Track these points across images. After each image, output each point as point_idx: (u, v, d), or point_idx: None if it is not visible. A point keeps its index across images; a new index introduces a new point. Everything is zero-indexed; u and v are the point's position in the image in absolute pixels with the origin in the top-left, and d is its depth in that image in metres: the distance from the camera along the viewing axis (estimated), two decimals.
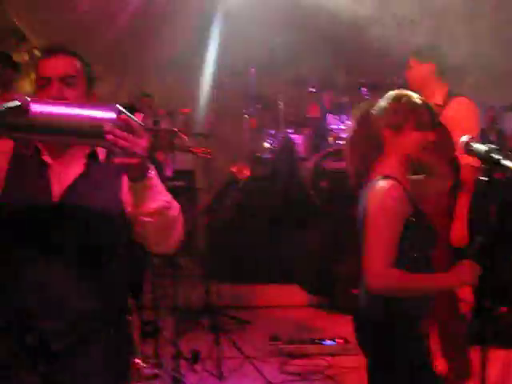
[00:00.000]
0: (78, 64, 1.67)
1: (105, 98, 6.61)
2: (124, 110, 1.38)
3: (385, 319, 1.87)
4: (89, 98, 1.69)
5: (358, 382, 3.28)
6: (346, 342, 3.70)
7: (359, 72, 6.51)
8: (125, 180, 1.56)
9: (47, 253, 1.56)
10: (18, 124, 1.35)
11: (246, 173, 2.85)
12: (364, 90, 5.64)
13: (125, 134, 1.34)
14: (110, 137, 1.32)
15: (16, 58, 7.26)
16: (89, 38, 6.38)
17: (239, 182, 2.86)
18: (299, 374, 3.38)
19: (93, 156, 1.66)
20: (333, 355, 3.62)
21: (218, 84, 6.17)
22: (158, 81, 7.20)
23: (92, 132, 1.35)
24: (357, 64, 7.11)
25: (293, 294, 4.89)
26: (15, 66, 2.91)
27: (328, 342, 3.71)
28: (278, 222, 5.16)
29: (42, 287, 1.54)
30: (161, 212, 1.50)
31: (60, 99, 1.57)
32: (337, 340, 3.74)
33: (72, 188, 1.60)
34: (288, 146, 5.59)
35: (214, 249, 4.75)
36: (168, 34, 6.63)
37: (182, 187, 6.21)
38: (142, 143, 1.37)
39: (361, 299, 1.98)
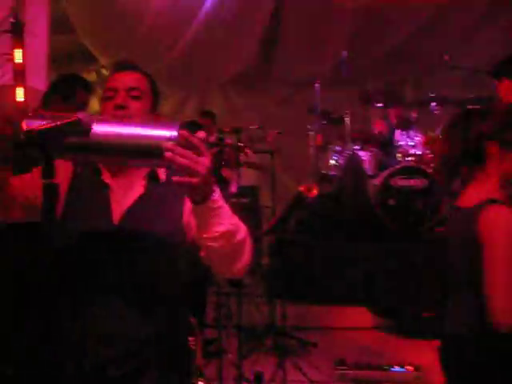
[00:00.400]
0: (145, 80, 1.69)
1: (169, 115, 6.76)
2: (185, 128, 1.31)
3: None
4: (153, 115, 1.67)
5: None
6: (417, 369, 3.51)
7: (427, 86, 6.33)
8: (187, 202, 1.50)
9: (106, 278, 1.52)
10: (77, 144, 1.32)
11: (314, 192, 2.76)
12: (433, 104, 5.44)
13: (185, 151, 1.26)
14: (169, 154, 1.25)
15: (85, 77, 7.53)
16: (153, 55, 6.52)
17: (306, 200, 2.77)
18: None
19: (153, 176, 1.62)
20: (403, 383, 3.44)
21: (282, 100, 6.11)
22: (222, 97, 7.26)
23: (151, 151, 1.29)
24: (424, 77, 6.95)
25: (358, 316, 4.74)
26: (87, 87, 2.95)
27: (397, 369, 3.52)
28: (343, 241, 5.03)
29: (100, 315, 1.50)
30: (227, 236, 1.40)
31: (124, 108, 1.57)
32: (406, 367, 3.55)
33: (132, 210, 1.56)
34: (354, 164, 5.44)
35: (278, 268, 4.67)
36: (232, 49, 6.69)
37: (245, 204, 6.21)
38: (204, 161, 1.29)
39: (455, 327, 1.86)
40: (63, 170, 1.59)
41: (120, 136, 1.32)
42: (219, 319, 3.59)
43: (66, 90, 2.86)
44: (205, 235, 1.41)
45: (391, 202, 5.09)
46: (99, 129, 1.31)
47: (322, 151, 5.87)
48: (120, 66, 1.72)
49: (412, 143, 5.40)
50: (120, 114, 1.57)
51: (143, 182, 1.61)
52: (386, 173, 5.27)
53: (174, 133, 1.28)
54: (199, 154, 1.29)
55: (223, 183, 4.67)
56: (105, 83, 1.69)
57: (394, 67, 6.83)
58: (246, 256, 1.49)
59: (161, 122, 1.42)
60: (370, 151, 5.71)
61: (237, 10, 5.89)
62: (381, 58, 6.72)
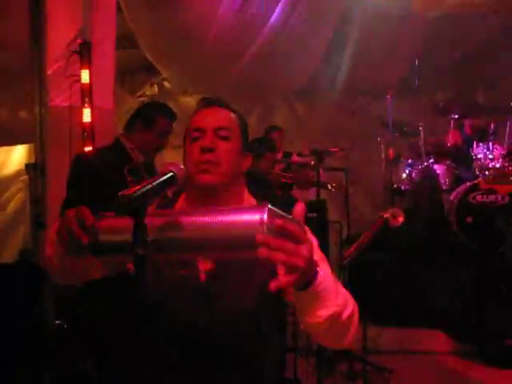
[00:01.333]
0: (234, 118, 1.57)
1: None
2: (276, 210, 1.14)
3: None
4: (243, 156, 1.58)
5: None
6: None
7: (504, 94, 6.00)
8: None
9: (193, 338, 1.42)
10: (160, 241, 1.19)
11: (400, 219, 2.59)
12: None
13: (279, 242, 1.08)
14: (263, 251, 1.07)
15: (148, 90, 7.58)
16: (218, 68, 6.47)
17: (391, 228, 2.61)
18: None
19: None
20: None
21: (350, 111, 5.93)
22: (287, 108, 7.13)
23: (242, 244, 1.13)
24: (500, 85, 6.59)
25: (437, 340, 4.50)
26: (170, 115, 2.91)
27: None
28: (419, 261, 4.81)
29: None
30: (332, 320, 1.26)
31: (212, 150, 1.48)
32: None
33: (218, 267, 1.44)
34: (429, 178, 5.21)
35: (350, 287, 4.49)
36: (297, 60, 6.56)
37: (313, 218, 6.05)
38: (302, 251, 1.11)
39: None
40: None
41: (205, 229, 1.17)
42: (296, 347, 3.46)
43: (148, 116, 2.85)
44: (307, 320, 1.27)
45: (469, 219, 4.83)
46: (181, 220, 1.19)
47: (393, 164, 5.66)
48: (207, 102, 1.60)
49: (491, 156, 5.11)
50: (207, 159, 1.48)
51: None
52: (462, 188, 5.02)
53: (264, 217, 1.10)
54: (297, 242, 1.11)
55: (292, 204, 4.56)
56: (190, 121, 1.58)
57: (466, 75, 6.53)
58: (354, 329, 1.35)
59: (248, 205, 1.27)
60: (445, 164, 5.47)
61: (303, 22, 5.75)
62: (452, 67, 6.42)
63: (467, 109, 5.39)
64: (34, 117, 3.62)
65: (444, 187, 5.39)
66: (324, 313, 1.23)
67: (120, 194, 1.11)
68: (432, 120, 5.64)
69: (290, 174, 4.83)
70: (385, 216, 2.56)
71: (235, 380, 1.45)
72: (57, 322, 3.60)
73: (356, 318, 1.35)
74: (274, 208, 1.14)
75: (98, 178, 2.62)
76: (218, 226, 1.15)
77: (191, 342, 1.43)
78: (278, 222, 1.10)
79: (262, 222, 1.10)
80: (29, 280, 3.68)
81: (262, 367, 1.50)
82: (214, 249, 1.17)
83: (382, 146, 5.74)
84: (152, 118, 2.85)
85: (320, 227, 5.99)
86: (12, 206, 4.98)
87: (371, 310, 4.47)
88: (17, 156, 5.06)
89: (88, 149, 3.38)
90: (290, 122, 6.60)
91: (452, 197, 5.14)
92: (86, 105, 3.42)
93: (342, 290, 1.34)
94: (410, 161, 5.57)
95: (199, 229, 1.17)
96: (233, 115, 1.58)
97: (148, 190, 1.14)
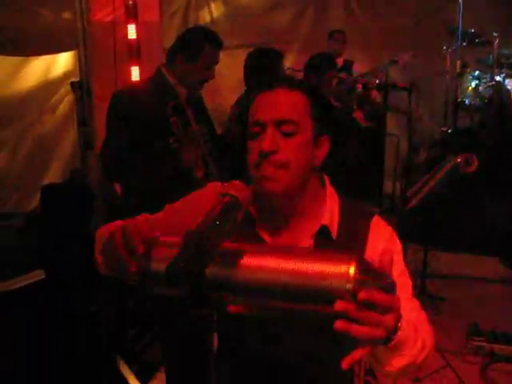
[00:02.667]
0: (302, 99, 1.27)
1: (283, 28, 6.23)
2: (366, 263, 0.95)
3: None
4: (317, 145, 1.30)
5: None
6: None
7: None
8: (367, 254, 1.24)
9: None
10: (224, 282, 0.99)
11: (473, 167, 2.35)
12: None
13: (363, 315, 0.92)
14: (340, 325, 0.92)
15: None
16: None
17: (463, 175, 2.37)
18: None
19: (324, 233, 1.31)
20: None
21: (413, 16, 5.41)
22: (344, 10, 6.60)
23: (317, 299, 0.95)
24: None
25: (493, 267, 4.37)
26: (216, 43, 2.62)
27: None
28: (482, 185, 4.54)
29: None
30: (405, 369, 1.11)
31: (273, 153, 1.23)
32: None
33: None
34: (499, 93, 4.80)
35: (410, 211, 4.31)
36: None
37: (370, 128, 5.79)
38: (388, 322, 0.95)
39: None
40: None
41: (270, 273, 0.97)
42: None
43: (193, 46, 2.56)
44: (378, 367, 1.12)
45: None
46: (246, 262, 0.99)
47: (459, 77, 5.23)
48: (268, 84, 1.29)
49: None
50: (268, 163, 1.23)
51: (310, 241, 1.30)
52: None
53: (350, 280, 0.92)
54: (384, 311, 0.94)
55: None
56: (250, 107, 1.30)
57: None
58: (427, 361, 1.18)
59: (330, 253, 0.99)
60: None
61: None
62: None
63: None
64: (77, 33, 3.40)
65: None
66: (399, 363, 1.09)
67: (173, 261, 0.88)
68: (508, 29, 5.09)
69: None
70: (457, 161, 2.31)
71: None
72: None
73: (431, 351, 1.18)
74: (363, 259, 0.96)
75: (138, 117, 2.43)
76: (295, 274, 0.96)
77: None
78: (368, 295, 0.92)
79: (345, 279, 0.92)
80: (79, 200, 3.67)
81: None
82: (287, 298, 0.98)
83: (448, 57, 5.28)
84: (196, 48, 2.55)
85: (376, 138, 5.76)
86: (61, 109, 4.91)
87: (431, 234, 4.35)
88: (64, 58, 4.90)
89: (134, 68, 3.16)
90: (347, 28, 6.08)
91: None
92: (130, 20, 3.15)
93: (422, 328, 1.16)
94: (476, 73, 5.13)
95: (272, 274, 0.97)
96: (300, 97, 1.27)
97: (204, 243, 0.90)
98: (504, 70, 4.96)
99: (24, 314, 3.15)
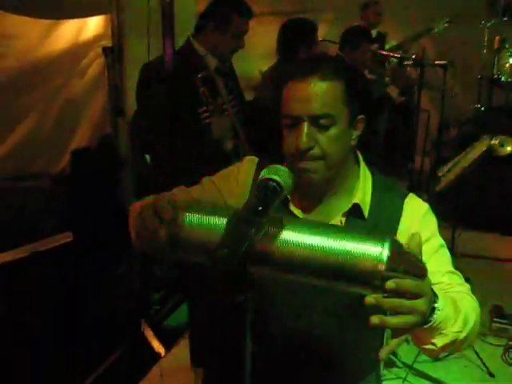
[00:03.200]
0: (337, 88, 1.23)
1: None
2: (402, 249, 0.95)
3: None
4: (353, 129, 1.29)
5: None
6: None
7: None
8: (399, 236, 1.24)
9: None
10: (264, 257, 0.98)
11: (508, 149, 2.29)
12: None
13: (395, 304, 0.92)
14: (374, 320, 0.92)
15: None
16: None
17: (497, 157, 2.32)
18: None
19: (356, 212, 1.31)
20: None
21: None
22: None
23: (350, 279, 0.95)
24: None
25: None
26: (244, 12, 2.58)
27: None
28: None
29: None
30: (447, 348, 1.09)
31: (309, 150, 1.22)
32: None
33: None
34: None
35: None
36: None
37: (402, 102, 5.68)
38: (421, 308, 0.94)
39: None
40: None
41: (309, 251, 0.96)
42: None
43: (222, 15, 2.53)
44: (420, 345, 1.11)
45: None
46: (286, 237, 0.97)
47: (496, 53, 5.07)
48: (301, 72, 1.23)
49: None
50: (306, 157, 1.23)
51: (343, 219, 1.31)
52: None
53: (382, 263, 0.92)
54: (415, 296, 0.93)
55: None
56: (282, 94, 1.26)
57: None
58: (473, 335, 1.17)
59: (364, 234, 0.98)
60: None
61: None
62: None
63: None
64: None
65: None
66: (441, 342, 1.07)
67: (218, 247, 0.88)
68: None
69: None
70: (492, 143, 2.26)
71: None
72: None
73: (476, 325, 1.16)
74: (396, 242, 0.96)
75: (168, 90, 2.42)
76: (330, 252, 0.96)
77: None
78: (392, 283, 0.91)
79: (379, 262, 0.92)
80: (108, 165, 3.71)
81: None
82: (321, 276, 0.98)
83: (486, 30, 5.12)
84: (226, 17, 2.51)
85: (408, 112, 5.67)
86: (90, 74, 4.90)
87: (460, 213, 4.30)
88: (94, 22, 4.88)
89: (167, 40, 3.12)
90: None
91: None
92: None
93: (463, 303, 1.15)
94: None
95: (308, 251, 0.97)
96: (335, 86, 1.22)
97: (249, 230, 0.90)
98: None
99: (52, 275, 3.23)
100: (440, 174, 2.49)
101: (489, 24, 5.08)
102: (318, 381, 1.39)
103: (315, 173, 1.25)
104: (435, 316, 1.00)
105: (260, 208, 0.93)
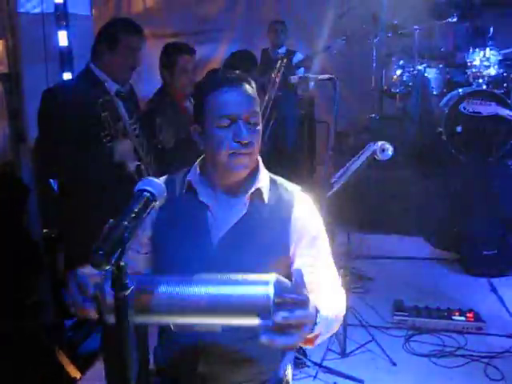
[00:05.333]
0: (256, 93, 1.50)
1: (220, 16, 6.23)
2: (284, 285, 1.14)
3: None
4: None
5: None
6: (476, 317, 3.43)
7: None
8: (295, 224, 1.46)
9: None
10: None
11: (389, 153, 2.52)
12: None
13: (282, 340, 1.12)
14: (265, 340, 1.11)
15: None
16: None
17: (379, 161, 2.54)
18: (425, 355, 3.17)
19: (257, 195, 1.51)
20: (462, 333, 3.37)
21: (345, 9, 5.59)
22: (279, 1, 6.70)
23: (243, 317, 1.15)
24: None
25: (419, 247, 4.64)
26: (135, 30, 2.68)
27: (457, 318, 3.44)
28: (407, 169, 4.80)
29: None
30: (322, 339, 1.32)
31: (249, 144, 1.43)
32: (467, 315, 3.46)
33: (232, 232, 1.47)
34: (421, 84, 5.05)
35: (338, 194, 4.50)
36: None
37: (302, 115, 5.97)
38: (304, 335, 1.15)
39: None
40: None
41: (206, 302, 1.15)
42: None
43: (110, 38, 2.60)
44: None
45: (459, 128, 4.77)
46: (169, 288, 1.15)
47: (384, 66, 5.47)
48: (232, 79, 1.46)
49: (486, 63, 4.92)
50: (245, 152, 1.44)
51: (247, 202, 1.50)
52: (454, 96, 4.90)
53: (269, 299, 1.11)
54: (299, 328, 1.13)
55: None
56: (213, 100, 1.45)
57: None
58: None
59: (251, 277, 1.18)
60: (437, 68, 5.31)
61: None
62: None
63: (466, 11, 5.10)
64: (3, 25, 3.34)
65: (435, 92, 5.28)
66: (318, 341, 1.29)
67: (94, 248, 1.01)
68: (428, 23, 5.35)
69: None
70: (373, 148, 2.49)
71: None
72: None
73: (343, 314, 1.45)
74: (280, 281, 1.14)
75: (70, 115, 2.46)
76: (222, 299, 1.14)
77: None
78: (280, 316, 1.10)
79: (266, 296, 1.11)
80: (13, 193, 3.64)
81: None
82: (219, 317, 1.17)
83: (374, 47, 5.51)
84: (114, 37, 2.59)
85: (308, 124, 5.97)
86: None
87: (356, 217, 4.56)
88: None
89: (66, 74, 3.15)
90: (282, 17, 6.17)
91: (443, 103, 5.04)
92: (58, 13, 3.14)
93: (335, 299, 1.40)
94: (401, 62, 5.38)
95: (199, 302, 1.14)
96: (255, 90, 1.49)
97: (124, 234, 1.04)
98: (425, 61, 5.23)
99: None
100: (332, 181, 2.69)
101: (375, 40, 5.47)
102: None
103: (248, 167, 1.47)
104: (316, 327, 1.20)
105: (133, 215, 1.06)
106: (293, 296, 1.11)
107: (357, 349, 3.17)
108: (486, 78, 4.89)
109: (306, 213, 1.52)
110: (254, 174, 1.53)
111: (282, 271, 1.40)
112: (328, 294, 1.40)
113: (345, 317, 3.09)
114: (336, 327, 1.39)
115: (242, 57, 4.10)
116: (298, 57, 5.54)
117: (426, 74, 5.20)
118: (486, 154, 4.71)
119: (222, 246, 1.46)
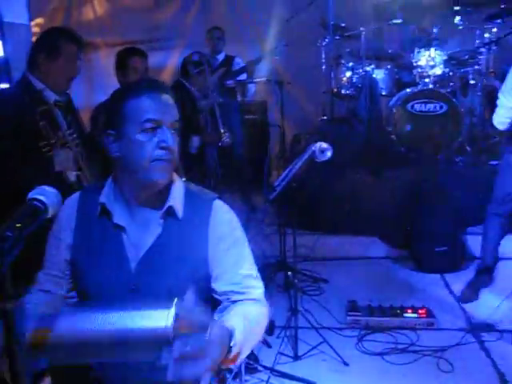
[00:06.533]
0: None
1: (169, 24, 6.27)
2: (186, 312, 1.12)
3: None
4: None
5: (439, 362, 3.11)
6: (429, 313, 3.47)
7: None
8: (211, 236, 1.44)
9: None
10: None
11: (328, 154, 2.53)
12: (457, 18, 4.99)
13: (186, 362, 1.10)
14: (172, 376, 1.09)
15: None
16: None
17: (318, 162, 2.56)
18: (378, 354, 3.19)
19: (171, 212, 1.47)
20: (415, 329, 3.40)
21: (293, 12, 5.62)
22: (229, 8, 6.72)
23: (142, 349, 1.13)
24: None
25: (372, 246, 4.67)
26: (74, 39, 2.64)
27: (410, 315, 3.47)
28: (356, 169, 4.84)
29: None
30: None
31: (173, 150, 1.42)
32: (419, 312, 3.49)
33: (150, 253, 1.43)
34: (369, 85, 5.11)
35: (290, 196, 4.50)
36: None
37: (255, 120, 6.00)
38: (207, 364, 1.13)
39: None
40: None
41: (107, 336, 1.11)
42: None
43: (50, 47, 2.56)
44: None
45: (408, 127, 4.84)
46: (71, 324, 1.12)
47: (333, 68, 5.52)
48: (154, 86, 1.45)
49: (432, 63, 5.01)
50: (167, 158, 1.42)
51: (161, 221, 1.47)
52: (402, 96, 4.97)
53: (169, 328, 1.09)
54: (202, 356, 1.12)
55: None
56: (136, 108, 1.42)
57: None
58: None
59: (152, 307, 1.15)
60: (386, 69, 5.38)
61: None
62: None
63: (409, 13, 5.18)
64: None
65: (384, 93, 5.35)
66: (237, 361, 1.30)
67: None
68: (375, 24, 5.42)
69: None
70: (312, 149, 2.50)
71: None
72: None
73: (263, 327, 1.45)
74: (182, 308, 1.12)
75: (8, 125, 2.41)
76: (121, 334, 1.11)
77: None
78: (178, 353, 1.08)
79: (166, 328, 1.09)
80: None
81: None
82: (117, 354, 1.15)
83: (323, 49, 5.55)
84: (54, 45, 2.55)
85: (261, 129, 6.00)
86: None
87: (307, 218, 4.57)
88: None
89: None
90: (229, 24, 6.18)
91: (391, 103, 5.11)
92: None
93: (254, 311, 1.42)
94: (351, 64, 5.44)
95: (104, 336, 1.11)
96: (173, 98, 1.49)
97: (4, 245, 0.98)
98: (373, 62, 5.29)
99: None
100: (275, 184, 2.69)
101: (324, 43, 5.51)
102: None
103: (167, 173, 1.45)
104: (232, 350, 1.21)
105: (18, 225, 1.03)
106: (194, 323, 1.11)
107: (309, 351, 3.17)
108: (431, 78, 4.98)
109: (222, 223, 1.50)
110: (168, 186, 1.50)
111: (203, 287, 1.43)
112: (246, 308, 1.41)
113: (296, 320, 3.14)
114: (258, 338, 1.40)
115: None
116: (238, 62, 5.58)
117: (374, 75, 5.26)
118: (434, 152, 4.79)
119: (140, 270, 1.43)
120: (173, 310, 1.10)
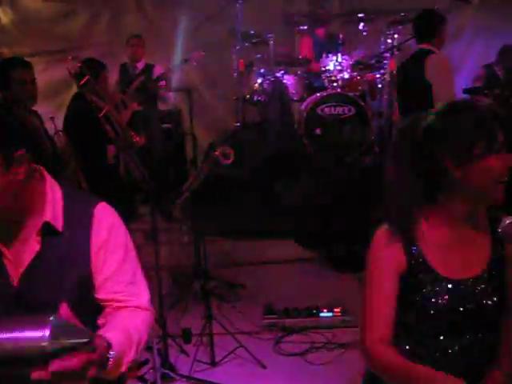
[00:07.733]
0: None
1: (79, 34, 6.18)
2: (63, 326, 1.08)
3: None
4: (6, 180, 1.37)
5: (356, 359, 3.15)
6: (344, 312, 3.52)
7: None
8: (93, 246, 1.36)
9: None
10: None
11: (231, 158, 2.54)
12: (361, 24, 5.17)
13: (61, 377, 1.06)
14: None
15: None
16: None
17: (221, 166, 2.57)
18: (295, 354, 3.20)
19: (48, 229, 1.36)
20: (331, 328, 3.44)
21: (202, 21, 5.63)
22: (140, 16, 6.63)
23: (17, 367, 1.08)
24: None
25: (288, 249, 4.68)
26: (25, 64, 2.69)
27: (325, 314, 3.51)
28: (270, 173, 4.87)
29: None
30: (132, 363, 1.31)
31: None
32: (334, 310, 3.54)
33: (30, 271, 1.34)
34: (279, 90, 5.18)
35: (203, 202, 4.47)
36: None
37: (169, 129, 5.94)
38: (83, 376, 1.10)
39: None
40: None
41: None
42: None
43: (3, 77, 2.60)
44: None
45: (318, 131, 4.93)
46: None
47: (245, 75, 5.56)
48: None
49: (339, 67, 5.15)
50: None
51: (38, 238, 1.36)
52: (312, 100, 5.07)
53: (45, 341, 1.04)
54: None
55: None
56: None
57: None
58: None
59: (29, 319, 1.11)
60: (296, 74, 5.48)
61: None
62: None
63: (316, 19, 5.32)
64: None
65: (295, 98, 5.43)
66: (117, 372, 1.27)
67: None
68: (287, 31, 5.52)
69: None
70: (215, 154, 2.50)
71: None
72: None
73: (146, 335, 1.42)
74: (59, 323, 1.07)
75: None
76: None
77: None
78: (55, 366, 1.04)
79: (42, 342, 1.04)
80: None
81: None
82: None
83: (234, 57, 5.58)
84: (6, 78, 2.61)
85: (175, 138, 5.94)
86: None
87: (222, 225, 4.54)
88: None
89: None
90: (143, 31, 6.10)
91: (302, 108, 5.20)
92: None
93: (135, 321, 1.38)
94: (262, 70, 5.49)
95: None
96: None
97: None
98: (282, 67, 5.37)
99: None
100: (184, 189, 2.66)
101: (234, 50, 5.54)
102: None
103: None
104: (111, 360, 1.18)
105: None
106: (70, 340, 1.07)
107: (225, 356, 3.13)
108: (339, 82, 5.10)
109: (103, 229, 1.41)
110: (39, 203, 1.38)
111: (87, 300, 1.38)
112: (127, 315, 1.38)
113: (210, 326, 3.10)
114: (140, 346, 1.36)
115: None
116: (158, 70, 5.52)
117: (284, 81, 5.34)
118: (344, 154, 4.91)
119: (20, 290, 1.35)
120: (49, 324, 1.05)
